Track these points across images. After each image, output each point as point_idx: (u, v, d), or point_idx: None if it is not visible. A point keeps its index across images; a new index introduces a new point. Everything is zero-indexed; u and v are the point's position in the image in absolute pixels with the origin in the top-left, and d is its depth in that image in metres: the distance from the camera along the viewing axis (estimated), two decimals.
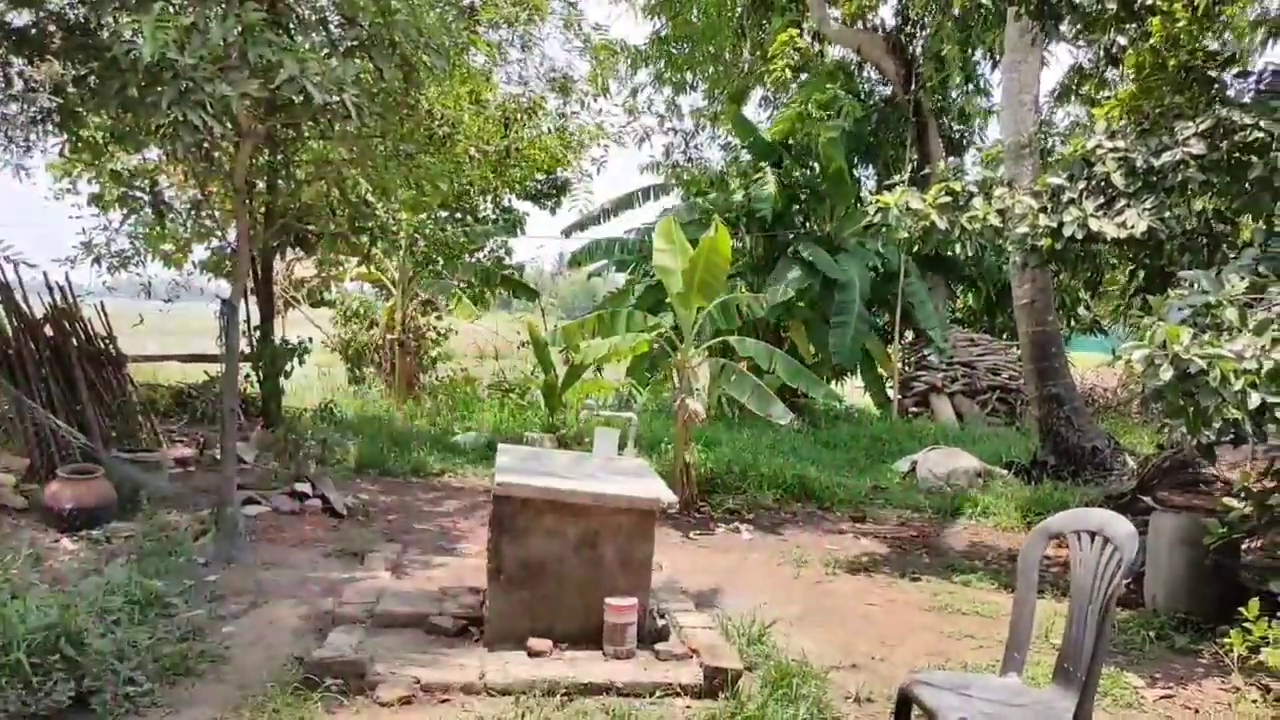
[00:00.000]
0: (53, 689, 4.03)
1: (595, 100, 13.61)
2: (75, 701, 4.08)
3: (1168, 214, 6.44)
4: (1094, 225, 6.46)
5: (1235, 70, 7.03)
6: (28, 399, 8.09)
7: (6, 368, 8.28)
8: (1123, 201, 6.52)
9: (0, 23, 6.39)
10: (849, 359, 14.78)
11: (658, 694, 4.56)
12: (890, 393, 16.92)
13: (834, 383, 16.42)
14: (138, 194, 10.14)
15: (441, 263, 12.79)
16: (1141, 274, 7.62)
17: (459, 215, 14.64)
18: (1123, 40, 7.95)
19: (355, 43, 6.78)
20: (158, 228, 11.15)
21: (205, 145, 6.93)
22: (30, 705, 3.97)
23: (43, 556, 5.95)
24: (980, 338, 17.90)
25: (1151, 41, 6.98)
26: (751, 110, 20.73)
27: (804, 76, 19.29)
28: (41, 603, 4.46)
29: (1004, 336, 18.06)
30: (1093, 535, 3.50)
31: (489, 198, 15.74)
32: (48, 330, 8.83)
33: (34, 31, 6.47)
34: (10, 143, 7.61)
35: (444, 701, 4.45)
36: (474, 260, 15.69)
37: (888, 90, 19.00)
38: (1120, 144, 6.62)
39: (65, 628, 4.23)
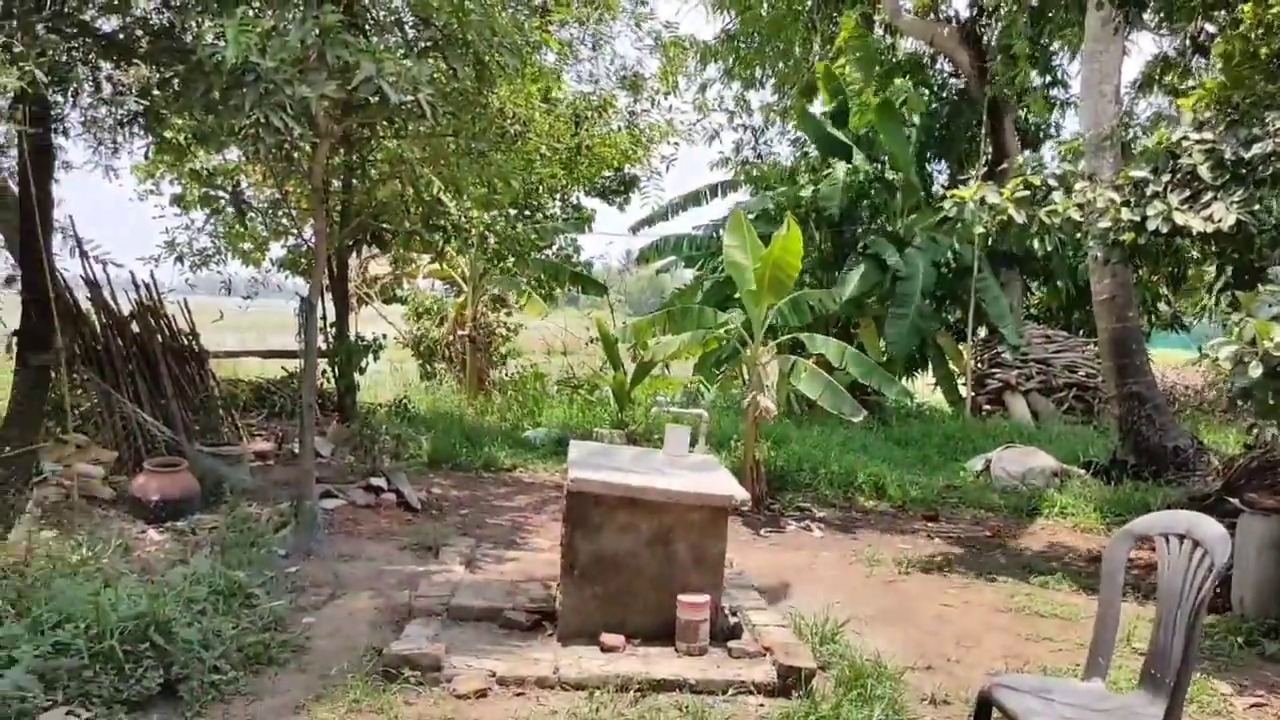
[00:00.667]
0: (143, 676, 4.17)
1: (665, 97, 13.62)
2: (164, 689, 4.21)
3: (1257, 207, 6.22)
4: (1179, 219, 6.28)
5: None
6: (116, 393, 8.35)
7: (96, 363, 8.57)
8: (1210, 194, 6.32)
9: (90, 28, 6.60)
10: (905, 351, 14.54)
11: (730, 691, 4.55)
12: (963, 390, 16.63)
13: (906, 380, 16.18)
14: (219, 194, 10.41)
15: (512, 260, 12.89)
16: (1229, 269, 7.39)
17: (528, 212, 14.75)
18: (1211, 28, 7.70)
19: (430, 43, 6.87)
20: (238, 226, 11.43)
21: (285, 146, 7.07)
22: (122, 692, 4.11)
23: (131, 547, 6.14)
24: (1056, 334, 17.49)
25: (1242, 28, 6.74)
26: (822, 105, 20.53)
27: (875, 70, 19.11)
28: (131, 592, 4.62)
29: (1081, 333, 17.62)
30: (1181, 538, 3.40)
31: (558, 195, 15.84)
32: (134, 327, 9.11)
33: (122, 36, 6.68)
34: (99, 144, 7.87)
35: (518, 695, 4.49)
36: (543, 257, 15.79)
37: (961, 83, 18.68)
38: (1207, 135, 6.41)
39: (154, 616, 4.37)
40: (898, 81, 16.66)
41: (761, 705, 4.50)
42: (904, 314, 14.21)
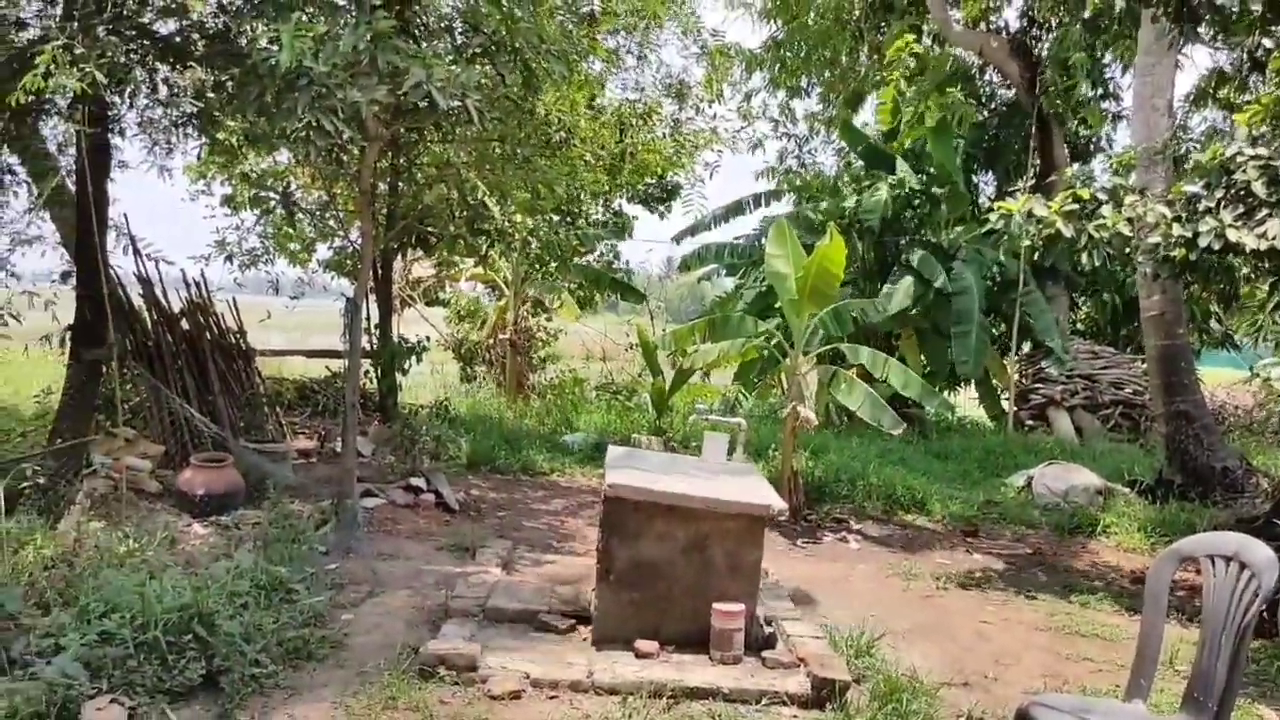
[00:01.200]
0: (185, 667, 4.25)
1: (709, 105, 13.64)
2: (205, 680, 4.29)
3: None
4: (1232, 236, 6.17)
5: None
6: (165, 389, 8.51)
7: (146, 359, 8.74)
8: (1264, 211, 6.20)
9: (148, 31, 6.75)
10: (975, 369, 14.38)
11: (764, 701, 4.55)
12: (1005, 405, 16.44)
13: (947, 393, 16.03)
14: (268, 195, 10.58)
15: (554, 265, 12.97)
16: None
17: (570, 218, 14.84)
18: (1268, 43, 7.57)
19: (478, 49, 6.94)
20: (286, 228, 11.61)
21: (334, 149, 7.18)
22: (165, 682, 4.19)
23: (176, 540, 6.25)
24: (1103, 350, 17.22)
25: None
26: (867, 114, 20.42)
27: (923, 81, 18.98)
28: (176, 584, 4.70)
29: (1128, 349, 17.35)
30: (1228, 560, 3.35)
31: (600, 201, 15.92)
32: (184, 324, 9.28)
33: (178, 40, 6.82)
34: (154, 145, 8.03)
35: (552, 698, 4.51)
36: (584, 262, 15.87)
37: (1010, 94, 18.50)
38: (1262, 151, 6.30)
39: (198, 609, 4.46)
40: (949, 92, 16.56)
41: (795, 717, 4.49)
42: (966, 331, 14.07)
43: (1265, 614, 5.95)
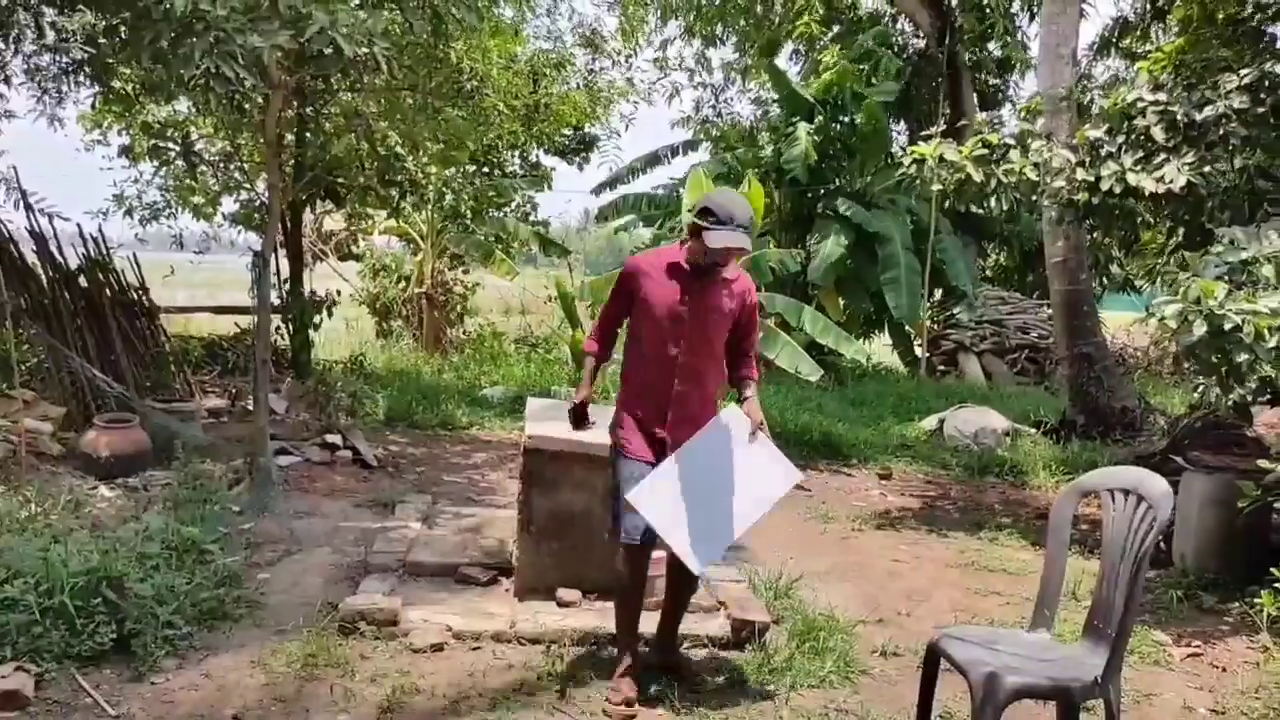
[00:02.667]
0: (95, 631, 4.14)
1: (624, 57, 13.50)
2: (117, 644, 4.18)
3: (1208, 169, 6.32)
4: (1132, 180, 6.36)
5: None
6: (64, 348, 8.20)
7: (43, 317, 8.39)
8: (1162, 156, 6.40)
9: None
10: (911, 313, 14.61)
11: (685, 645, 4.60)
12: (918, 351, 16.82)
13: (863, 340, 16.32)
14: (168, 146, 10.19)
15: (469, 217, 12.77)
16: (1180, 231, 7.51)
17: (487, 170, 14.61)
18: None
19: None
20: (188, 180, 11.21)
21: (236, 97, 6.92)
22: (74, 647, 4.08)
23: (82, 503, 6.05)
24: (1010, 296, 17.70)
25: None
26: (782, 64, 20.44)
27: (835, 29, 19.04)
28: (82, 548, 4.56)
29: (1035, 295, 17.86)
30: (1126, 493, 3.47)
31: (516, 153, 15.70)
32: (82, 281, 8.93)
33: None
34: (44, 94, 7.65)
35: (475, 649, 4.52)
36: (500, 214, 15.67)
37: (921, 43, 18.69)
38: (1162, 97, 6.48)
39: (106, 572, 4.33)
40: (860, 39, 16.66)
41: (715, 658, 4.57)
42: (895, 277, 14.27)
43: (1160, 545, 6.24)
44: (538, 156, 16.58)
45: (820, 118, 15.25)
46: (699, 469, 3.99)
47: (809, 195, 15.70)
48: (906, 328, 16.50)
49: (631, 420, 4.18)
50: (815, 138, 14.76)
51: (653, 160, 17.39)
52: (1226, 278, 5.12)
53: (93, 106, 9.38)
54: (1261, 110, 6.19)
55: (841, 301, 15.68)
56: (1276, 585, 5.03)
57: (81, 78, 7.40)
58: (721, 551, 3.96)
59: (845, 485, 8.92)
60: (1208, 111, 6.24)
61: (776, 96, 16.37)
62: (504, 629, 4.64)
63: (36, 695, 3.79)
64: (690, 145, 18.12)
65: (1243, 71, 6.25)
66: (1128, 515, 3.42)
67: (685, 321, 4.08)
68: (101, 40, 6.54)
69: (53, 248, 8.74)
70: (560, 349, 14.60)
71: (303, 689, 4.03)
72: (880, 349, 18.32)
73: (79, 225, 9.21)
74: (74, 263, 8.94)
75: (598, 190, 17.66)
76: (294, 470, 7.75)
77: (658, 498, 3.90)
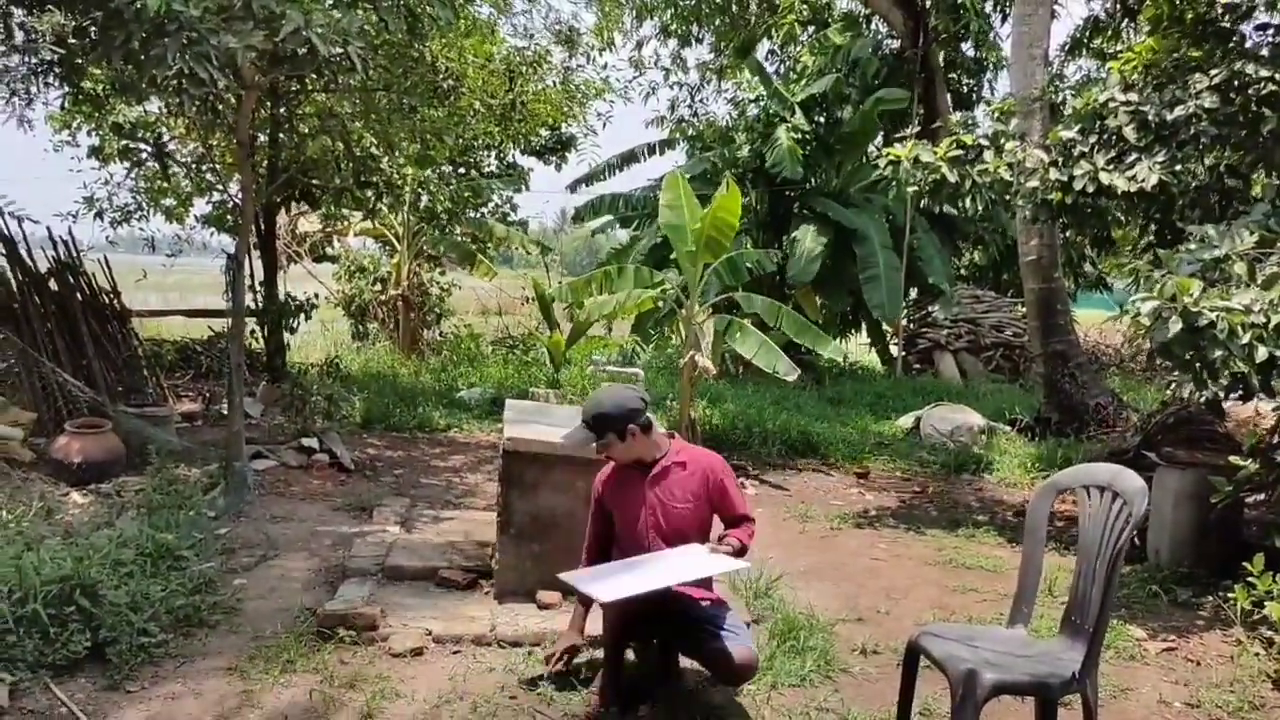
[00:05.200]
0: (69, 639, 4.10)
1: (600, 54, 13.48)
2: (92, 652, 4.14)
3: (1179, 168, 6.38)
4: (1105, 179, 6.41)
5: (1255, 23, 6.92)
6: (34, 352, 8.10)
7: (12, 322, 8.29)
8: (1134, 155, 6.46)
9: None
10: (893, 310, 14.62)
11: None
12: (894, 350, 16.91)
13: (840, 340, 16.38)
14: (140, 147, 10.08)
15: (446, 218, 12.72)
16: (1152, 229, 7.58)
17: (463, 170, 14.55)
18: None
19: None
20: (160, 181, 11.10)
21: (209, 98, 6.86)
22: (48, 655, 4.03)
23: (54, 509, 5.98)
24: (985, 294, 17.85)
25: None
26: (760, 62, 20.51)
27: (811, 30, 19.11)
28: (55, 555, 4.51)
29: (1009, 294, 18.00)
30: (1102, 490, 3.50)
31: (493, 153, 15.65)
32: (52, 285, 8.83)
33: None
34: (12, 95, 7.54)
35: (455, 653, 4.49)
36: (478, 215, 15.62)
37: (895, 44, 18.78)
38: (1133, 97, 6.54)
39: (80, 579, 4.28)
40: (836, 39, 16.72)
41: None
42: (875, 275, 14.30)
43: (1135, 541, 6.29)
44: (514, 157, 16.54)
45: (800, 117, 15.26)
46: (640, 565, 3.90)
47: (787, 194, 15.74)
48: (884, 326, 16.57)
49: None
50: (795, 136, 14.78)
51: (629, 159, 17.37)
52: (1199, 275, 5.17)
53: (62, 107, 9.28)
54: (1231, 109, 6.24)
55: (819, 300, 15.74)
56: (1249, 579, 5.09)
57: (51, 78, 7.29)
58: (631, 590, 3.80)
59: (823, 484, 8.94)
60: (1178, 111, 6.29)
61: (752, 96, 16.38)
62: (484, 632, 4.62)
63: (11, 705, 3.74)
64: (667, 144, 18.12)
65: (1212, 71, 6.31)
66: (1103, 511, 3.45)
67: (649, 520, 4.01)
68: (71, 40, 6.44)
69: (22, 251, 8.63)
70: (538, 349, 14.57)
71: (281, 695, 4.00)
72: (857, 348, 18.42)
73: (49, 228, 9.12)
74: (44, 266, 8.84)
75: (574, 186, 17.63)
76: (270, 474, 7.69)
77: (590, 577, 3.87)
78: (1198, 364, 5.01)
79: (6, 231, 8.56)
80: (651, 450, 4.05)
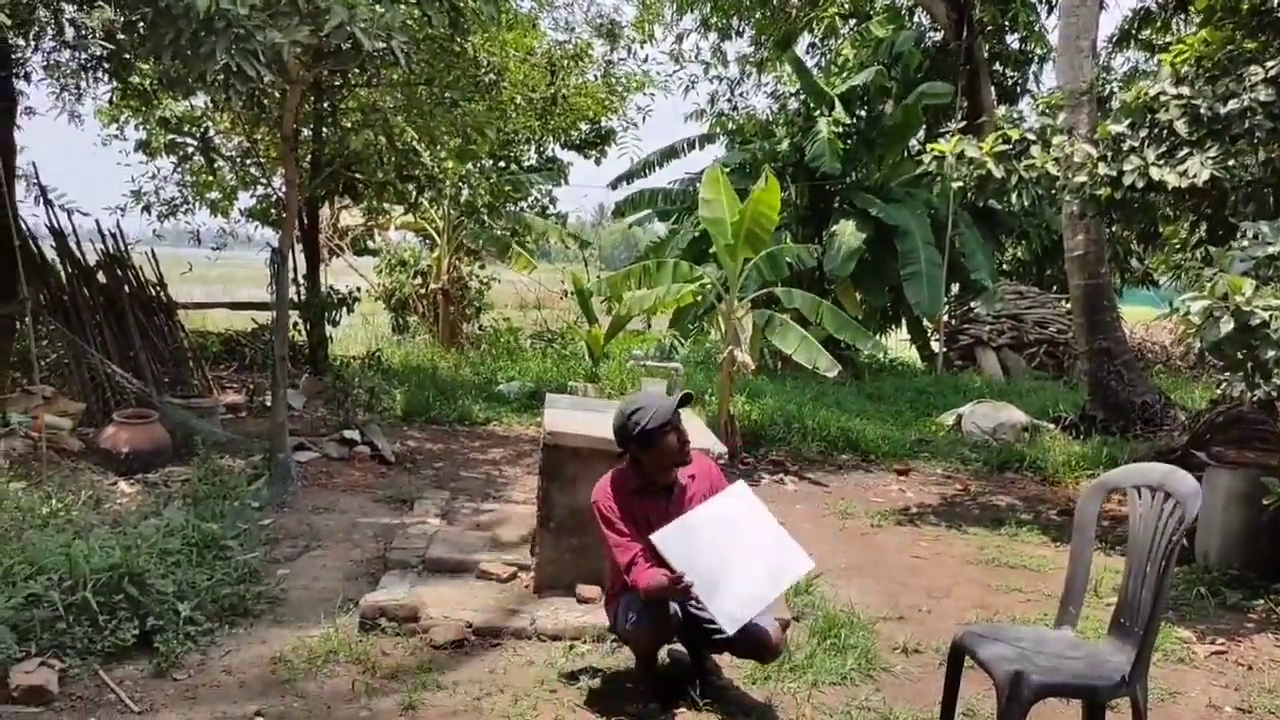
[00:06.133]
0: (117, 627, 4.16)
1: (641, 47, 13.47)
2: (139, 640, 4.20)
3: (1232, 163, 6.24)
4: (1155, 174, 6.29)
5: None
6: (83, 344, 8.24)
7: (62, 314, 8.44)
8: (1186, 150, 6.33)
9: None
10: (933, 307, 14.47)
11: None
12: (935, 346, 16.74)
13: (880, 335, 16.26)
14: (186, 141, 10.22)
15: (486, 212, 12.77)
16: (1203, 225, 7.43)
17: (503, 164, 14.59)
18: None
19: None
20: (206, 175, 11.25)
21: (255, 93, 6.93)
22: (96, 643, 4.09)
23: (102, 499, 6.08)
24: (1029, 290, 17.61)
25: None
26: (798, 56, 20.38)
27: (852, 23, 18.95)
28: (104, 544, 4.58)
29: (1053, 289, 17.75)
30: (1154, 490, 3.44)
31: (532, 147, 15.69)
32: (100, 277, 8.97)
33: None
34: (63, 90, 7.67)
35: (495, 645, 4.51)
36: (517, 209, 15.67)
37: (938, 36, 18.58)
38: (1185, 91, 6.40)
39: (128, 568, 4.35)
40: (878, 32, 16.57)
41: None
42: (916, 271, 14.17)
43: (1184, 542, 6.19)
44: (554, 151, 16.57)
45: (840, 111, 15.14)
46: (717, 528, 3.81)
47: (827, 188, 15.63)
48: (924, 322, 16.41)
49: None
50: (836, 129, 14.66)
51: (669, 154, 17.33)
52: (1252, 273, 5.06)
53: (110, 102, 9.42)
54: None
55: (858, 296, 15.62)
56: None
57: (100, 73, 7.41)
58: (749, 616, 3.78)
59: (864, 481, 8.88)
60: (1232, 105, 6.15)
61: (792, 90, 16.28)
62: (524, 625, 4.64)
63: (61, 691, 3.81)
64: (707, 139, 18.05)
65: (1269, 64, 6.17)
66: (1155, 512, 3.39)
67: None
68: (121, 36, 6.53)
69: (72, 244, 8.79)
70: (577, 344, 14.60)
71: (324, 686, 4.04)
72: (897, 344, 18.26)
73: (97, 221, 9.27)
74: (93, 259, 8.99)
75: (615, 184, 17.63)
76: (312, 466, 7.77)
77: (681, 545, 3.73)
78: (1249, 364, 4.91)
79: (57, 224, 8.72)
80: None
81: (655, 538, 3.73)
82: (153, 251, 9.75)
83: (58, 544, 4.48)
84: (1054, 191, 7.13)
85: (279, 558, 5.60)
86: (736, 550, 3.77)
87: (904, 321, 17.30)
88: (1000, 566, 6.38)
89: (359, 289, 12.45)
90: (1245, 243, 5.33)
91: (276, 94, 7.18)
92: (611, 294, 10.41)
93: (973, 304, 16.51)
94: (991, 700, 3.39)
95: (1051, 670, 3.24)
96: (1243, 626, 5.36)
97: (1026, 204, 7.10)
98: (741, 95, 21.69)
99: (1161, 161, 6.37)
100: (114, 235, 9.25)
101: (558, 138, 14.53)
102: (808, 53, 20.73)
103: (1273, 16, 6.51)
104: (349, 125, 9.75)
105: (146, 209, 11.21)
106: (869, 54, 16.55)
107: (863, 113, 15.66)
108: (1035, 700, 3.15)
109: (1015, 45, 18.72)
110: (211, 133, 10.81)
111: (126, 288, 9.11)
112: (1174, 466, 3.51)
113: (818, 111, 15.13)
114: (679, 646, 4.26)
